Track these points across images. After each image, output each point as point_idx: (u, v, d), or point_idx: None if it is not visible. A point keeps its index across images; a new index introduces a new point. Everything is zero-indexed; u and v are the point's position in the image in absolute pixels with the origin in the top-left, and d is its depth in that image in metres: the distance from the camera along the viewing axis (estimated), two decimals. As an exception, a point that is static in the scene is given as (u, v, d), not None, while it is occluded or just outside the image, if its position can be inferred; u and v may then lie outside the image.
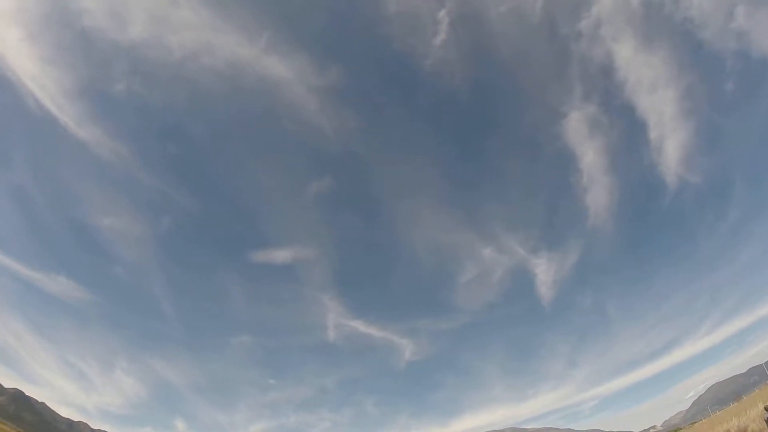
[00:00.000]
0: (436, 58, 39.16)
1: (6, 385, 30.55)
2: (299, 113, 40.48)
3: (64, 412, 34.74)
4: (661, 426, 52.10)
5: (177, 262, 47.40)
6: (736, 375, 54.73)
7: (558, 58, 40.53)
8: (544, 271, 48.87)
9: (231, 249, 48.62)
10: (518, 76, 42.47)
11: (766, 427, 5.22)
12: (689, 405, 57.84)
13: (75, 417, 34.91)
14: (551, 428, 65.17)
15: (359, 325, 47.10)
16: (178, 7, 32.09)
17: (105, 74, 35.88)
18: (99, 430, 35.64)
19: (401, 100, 42.27)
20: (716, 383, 57.84)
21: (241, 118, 42.06)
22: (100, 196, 43.88)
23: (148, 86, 38.64)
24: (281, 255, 46.92)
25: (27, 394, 31.35)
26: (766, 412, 5.09)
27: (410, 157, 47.10)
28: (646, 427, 52.60)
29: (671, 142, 39.38)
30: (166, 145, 42.25)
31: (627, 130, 42.57)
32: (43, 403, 32.64)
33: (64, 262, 42.76)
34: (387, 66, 40.97)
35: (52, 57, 32.81)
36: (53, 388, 39.49)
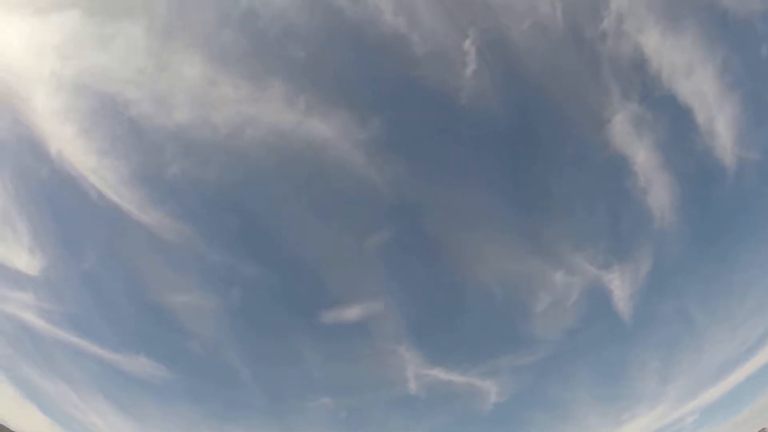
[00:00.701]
0: (470, 89, 37.07)
1: None
2: (348, 169, 39.07)
3: None
4: None
5: (250, 331, 46.24)
6: None
7: (588, 63, 38.19)
8: (619, 286, 44.17)
9: (301, 312, 46.80)
10: (554, 90, 40.17)
11: None
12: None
13: None
14: None
15: (439, 373, 43.56)
16: (219, 85, 31.90)
17: (158, 159, 35.78)
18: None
19: (444, 138, 40.23)
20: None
21: (292, 183, 40.99)
22: (170, 275, 43.61)
23: (200, 165, 38.18)
24: (351, 312, 44.91)
25: None
26: None
27: (463, 193, 44.61)
28: (755, 431, 47.33)
29: (721, 121, 35.42)
30: (226, 219, 41.51)
31: (673, 121, 38.71)
32: None
33: (142, 342, 42.15)
34: (425, 107, 39.37)
35: (107, 149, 33.10)
36: None
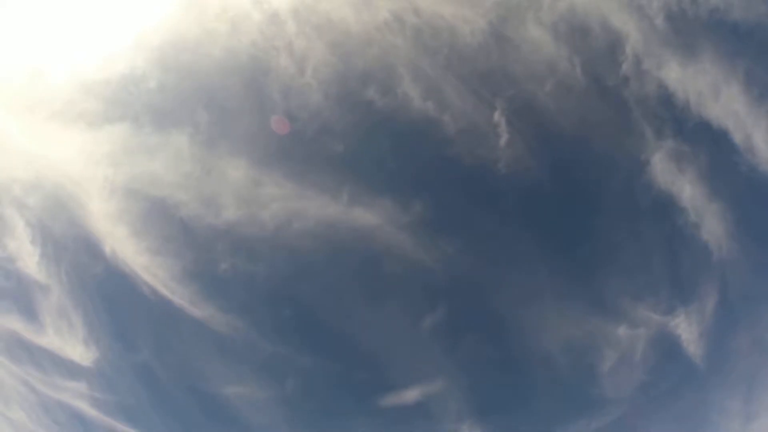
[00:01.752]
0: (507, 158, 36.87)
1: None
2: (396, 253, 39.55)
3: None
4: None
5: (308, 421, 45.53)
6: None
7: (616, 109, 37.75)
8: (687, 329, 40.55)
9: (358, 398, 45.53)
10: (587, 143, 39.42)
11: None
12: None
13: None
14: None
15: None
16: (263, 185, 33.93)
17: (208, 256, 37.76)
18: None
19: (488, 210, 40.03)
20: None
21: (342, 270, 41.96)
22: (223, 367, 44.20)
23: (250, 260, 40.16)
24: (410, 395, 43.41)
25: None
26: None
27: (515, 262, 43.58)
28: None
29: (758, 135, 33.52)
30: (278, 310, 42.34)
31: (711, 147, 36.52)
32: None
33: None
34: (465, 183, 39.69)
35: (158, 248, 35.19)
36: None
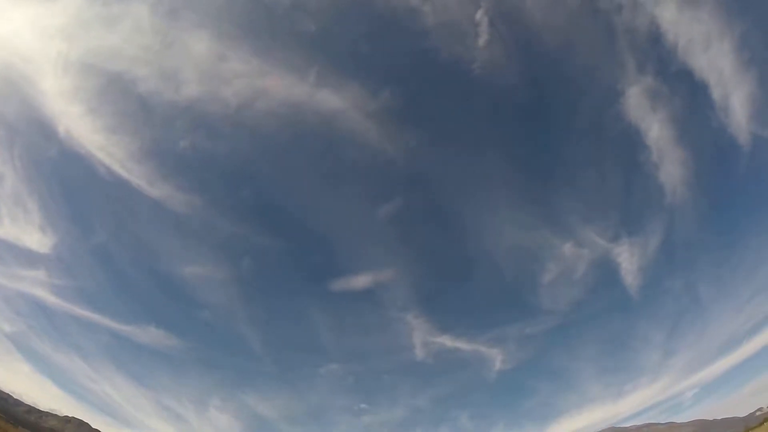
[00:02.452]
0: (483, 59, 37.78)
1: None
2: (359, 140, 40.46)
3: None
4: (767, 407, 47.59)
5: (261, 300, 48.95)
6: None
7: (603, 35, 38.28)
8: (628, 259, 45.38)
9: (311, 281, 49.46)
10: (568, 62, 40.51)
11: None
12: (800, 380, 52.28)
13: None
14: (652, 423, 60.92)
15: (446, 341, 46.13)
16: (227, 60, 32.89)
17: (167, 134, 37.38)
18: (198, 468, 35.98)
19: (457, 109, 41.25)
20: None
21: (304, 154, 42.63)
22: (180, 247, 45.95)
23: (211, 138, 40.11)
24: (360, 280, 47.13)
25: None
26: None
27: (475, 164, 45.96)
28: (752, 410, 48.16)
29: (737, 98, 35.54)
30: (237, 190, 43.67)
31: (689, 96, 39.10)
32: None
33: (153, 313, 45.05)
34: (437, 78, 40.16)
35: (115, 126, 34.52)
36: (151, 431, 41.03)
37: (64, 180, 38.91)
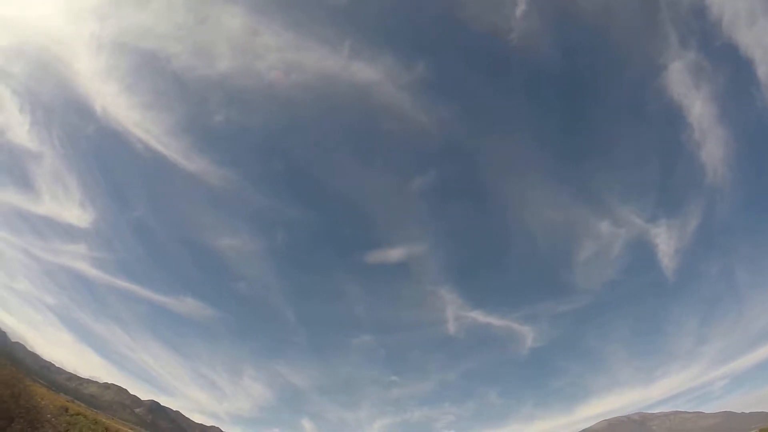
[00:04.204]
0: (521, 30, 36.46)
1: (143, 398, 32.97)
2: (394, 112, 40.02)
3: (197, 418, 37.27)
4: None
5: (295, 272, 49.93)
6: None
7: (645, 5, 36.27)
8: (665, 241, 44.16)
9: (345, 253, 50.11)
10: (608, 34, 38.72)
11: None
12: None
13: (208, 423, 37.20)
14: (679, 412, 60.15)
15: (479, 316, 46.48)
16: (260, 34, 32.73)
17: (202, 109, 37.83)
18: (230, 432, 37.50)
19: (493, 81, 40.22)
20: None
21: (338, 126, 42.47)
22: (216, 220, 47.01)
23: (245, 112, 40.39)
24: (395, 253, 47.56)
25: (162, 404, 33.70)
26: None
27: (512, 137, 45.01)
28: None
29: None
30: (271, 163, 44.16)
31: (733, 72, 37.31)
32: (177, 412, 35.19)
33: (190, 284, 46.66)
34: (472, 49, 39.06)
35: (151, 102, 35.11)
36: (187, 398, 43.00)
37: (102, 157, 39.88)
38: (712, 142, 40.01)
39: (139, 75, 32.57)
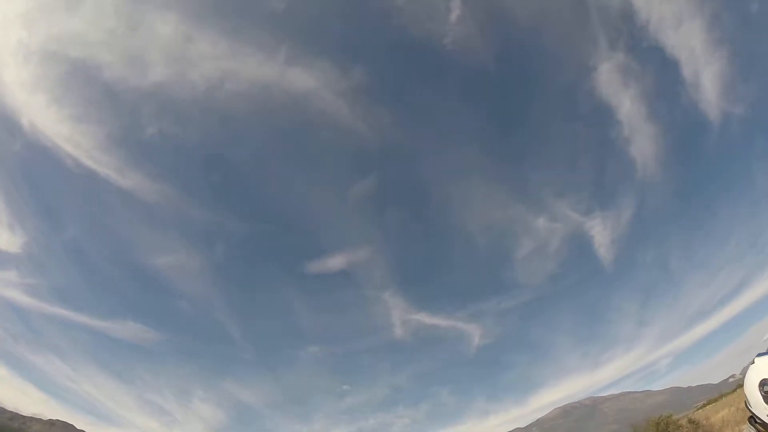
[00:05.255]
0: (456, 35, 37.45)
1: None
2: (331, 119, 39.86)
3: None
4: (740, 374, 49.43)
5: (237, 287, 48.48)
6: (814, 307, 51.73)
7: (575, 11, 38.61)
8: (600, 233, 46.53)
9: (287, 264, 49.06)
10: (540, 37, 40.64)
11: None
12: (768, 347, 54.61)
13: None
14: (628, 392, 63.55)
15: (424, 318, 46.88)
16: (194, 41, 31.71)
17: (135, 121, 36.08)
18: (185, 460, 36.01)
19: (429, 85, 41.02)
20: (794, 319, 54.92)
21: (275, 135, 41.84)
22: (153, 237, 44.76)
23: (180, 123, 38.97)
24: (336, 261, 47.16)
25: None
26: None
27: (450, 140, 46.01)
28: (725, 377, 50.29)
29: (707, 75, 36.26)
30: (208, 175, 42.73)
31: (660, 72, 39.88)
32: None
33: (130, 307, 44.00)
34: (408, 55, 39.78)
35: (81, 115, 33.02)
36: (136, 428, 40.59)
37: (31, 174, 37.54)
38: (641, 138, 42.80)
39: (69, 85, 30.74)
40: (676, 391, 56.66)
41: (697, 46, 37.81)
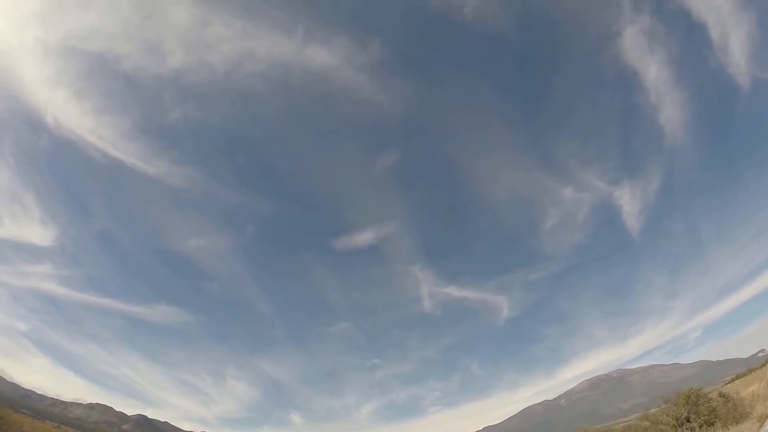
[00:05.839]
0: (475, 3, 36.53)
1: (129, 413, 32.42)
2: (353, 94, 39.65)
3: (187, 426, 36.91)
4: None
5: (267, 266, 49.45)
6: None
7: None
8: (629, 202, 45.73)
9: (315, 241, 49.84)
10: (562, 2, 39.23)
11: None
12: (801, 320, 53.17)
13: (198, 429, 36.82)
14: (656, 365, 62.86)
15: (453, 291, 47.18)
16: (210, 25, 31.66)
17: (157, 108, 36.53)
18: (220, 434, 37.28)
19: (450, 56, 40.30)
20: (827, 292, 52.89)
21: (297, 112, 41.86)
22: (182, 221, 45.78)
23: (202, 107, 39.19)
24: (364, 237, 47.63)
25: (150, 417, 33.18)
26: None
27: (472, 112, 45.37)
28: (754, 351, 49.00)
29: (735, 38, 34.65)
30: (233, 157, 43.22)
31: (687, 36, 38.25)
32: (166, 423, 34.68)
33: (162, 291, 45.54)
34: (427, 25, 38.94)
35: (103, 107, 33.68)
36: (174, 408, 42.32)
37: (59, 169, 38.40)
38: (669, 105, 41.39)
39: (89, 79, 31.25)
40: (704, 364, 55.83)
41: (724, 7, 36.05)
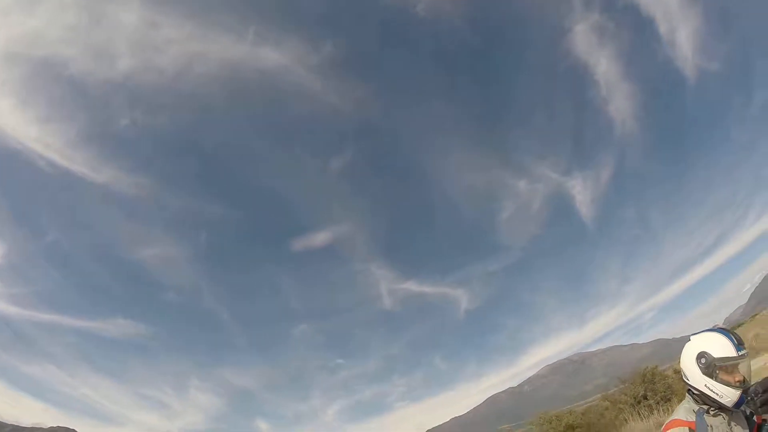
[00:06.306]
0: (427, 2, 37.15)
1: None
2: (305, 94, 39.38)
3: None
4: (722, 324, 51.35)
5: (223, 272, 48.19)
6: (792, 256, 53.79)
7: None
8: (581, 192, 47.12)
9: (271, 245, 48.83)
10: (513, 1, 40.68)
11: None
12: (747, 298, 56.38)
13: None
14: (615, 346, 65.78)
15: (412, 286, 47.58)
16: (160, 27, 30.78)
17: (105, 114, 35.08)
18: (188, 450, 36.48)
19: (403, 54, 40.65)
20: (771, 270, 57.07)
21: (249, 115, 41.27)
22: (134, 231, 44.02)
23: (151, 111, 37.88)
24: (320, 237, 47.20)
25: None
26: None
27: (427, 108, 45.78)
28: (708, 327, 52.12)
29: (682, 32, 36.52)
30: (185, 162, 42.08)
31: (635, 30, 40.02)
32: None
33: (118, 303, 43.39)
34: (380, 24, 39.24)
35: (49, 114, 32.11)
36: (138, 424, 40.70)
37: (3, 180, 36.23)
38: (618, 97, 43.25)
39: (34, 86, 29.76)
40: (661, 342, 58.71)
41: (671, 2, 38.14)
